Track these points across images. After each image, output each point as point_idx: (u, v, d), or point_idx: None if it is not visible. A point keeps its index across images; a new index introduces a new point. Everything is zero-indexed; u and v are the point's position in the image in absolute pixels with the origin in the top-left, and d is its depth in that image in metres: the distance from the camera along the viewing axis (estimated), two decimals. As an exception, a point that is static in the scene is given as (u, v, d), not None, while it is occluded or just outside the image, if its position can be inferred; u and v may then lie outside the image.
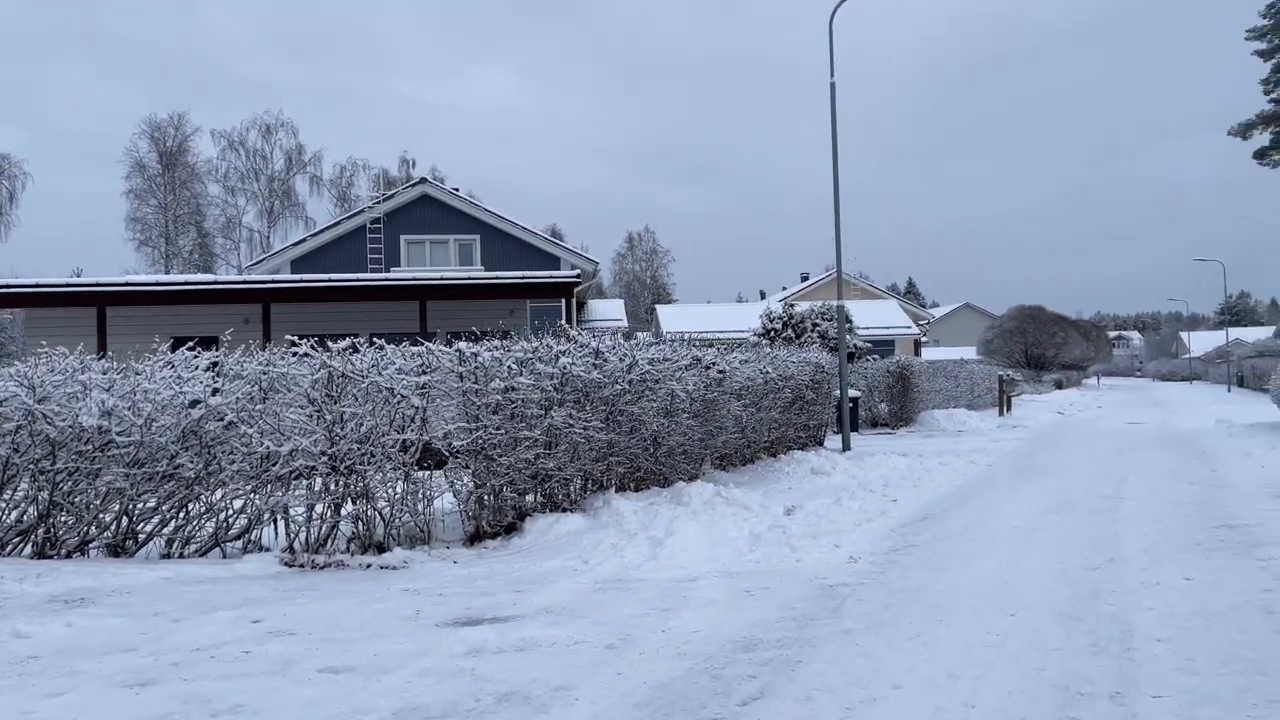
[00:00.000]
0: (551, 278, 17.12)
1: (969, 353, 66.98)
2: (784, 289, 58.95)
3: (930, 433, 22.26)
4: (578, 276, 16.88)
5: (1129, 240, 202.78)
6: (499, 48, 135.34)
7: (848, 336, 28.52)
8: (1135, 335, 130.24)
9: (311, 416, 7.74)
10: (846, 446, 16.51)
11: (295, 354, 8.02)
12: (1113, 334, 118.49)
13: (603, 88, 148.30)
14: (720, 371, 11.65)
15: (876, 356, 26.82)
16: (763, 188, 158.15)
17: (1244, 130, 40.48)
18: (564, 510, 9.09)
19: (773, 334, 27.38)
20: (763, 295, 61.03)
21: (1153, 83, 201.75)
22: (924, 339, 56.56)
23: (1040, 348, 64.66)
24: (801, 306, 29.61)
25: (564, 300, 17.46)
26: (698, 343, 13.50)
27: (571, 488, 9.37)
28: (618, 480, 10.02)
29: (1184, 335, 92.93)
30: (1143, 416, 28.22)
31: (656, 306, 44.91)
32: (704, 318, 40.19)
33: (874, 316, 39.29)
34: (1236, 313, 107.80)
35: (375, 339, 8.79)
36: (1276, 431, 18.78)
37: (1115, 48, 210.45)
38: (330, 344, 7.97)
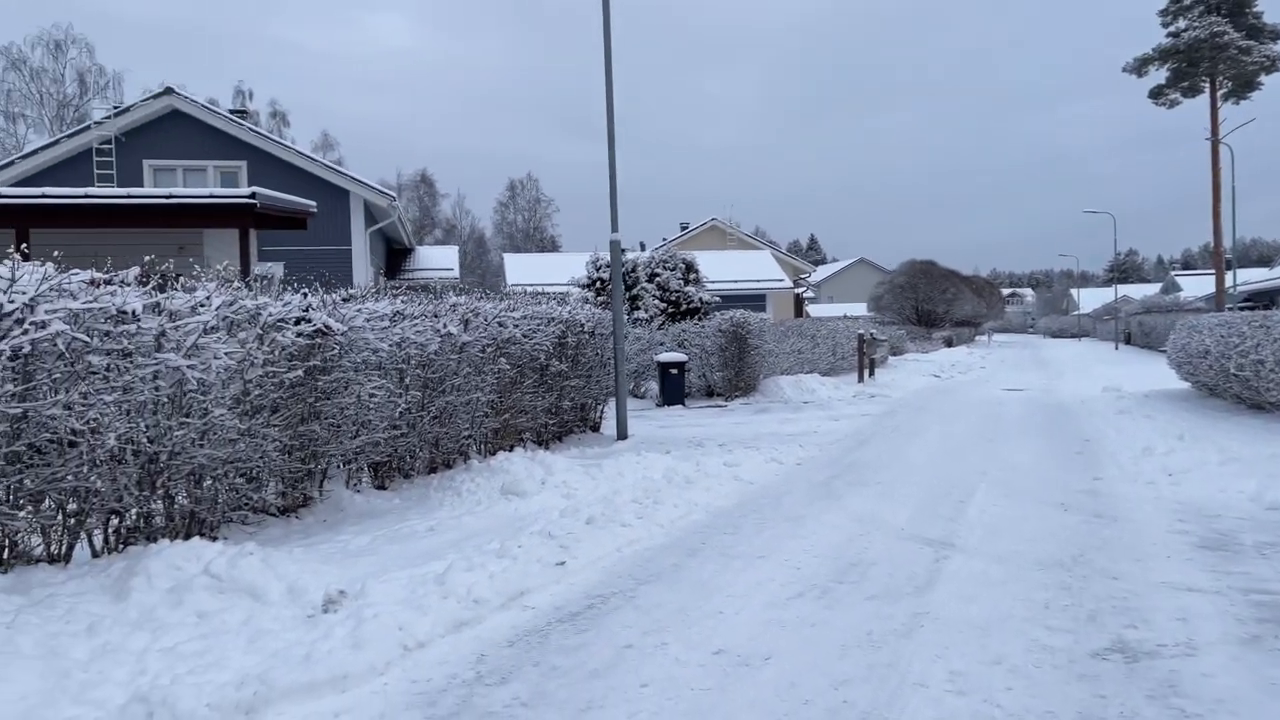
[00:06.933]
0: (212, 198, 11.99)
1: (863, 309, 63.83)
2: (664, 239, 54.54)
3: (767, 405, 18.09)
4: (251, 197, 11.86)
5: (1025, 198, 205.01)
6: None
7: (691, 289, 24.17)
8: (1029, 292, 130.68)
9: None
10: (622, 435, 12.09)
11: None
12: (1008, 291, 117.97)
13: (506, 34, 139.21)
14: (320, 332, 6.96)
15: (721, 313, 22.45)
16: (656, 139, 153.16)
17: (1139, 66, 37.30)
18: None
19: (599, 285, 22.79)
20: (643, 246, 56.47)
21: (1057, 44, 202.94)
22: (808, 294, 52.87)
23: (931, 304, 62.11)
24: (640, 255, 25.08)
25: (240, 230, 12.37)
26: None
27: None
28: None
29: (1074, 292, 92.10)
30: (1024, 380, 24.72)
31: (505, 255, 39.75)
32: (551, 267, 35.40)
33: (739, 269, 34.95)
34: (1124, 270, 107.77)
35: None
36: (1175, 404, 15.13)
37: (1022, 11, 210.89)
38: None
